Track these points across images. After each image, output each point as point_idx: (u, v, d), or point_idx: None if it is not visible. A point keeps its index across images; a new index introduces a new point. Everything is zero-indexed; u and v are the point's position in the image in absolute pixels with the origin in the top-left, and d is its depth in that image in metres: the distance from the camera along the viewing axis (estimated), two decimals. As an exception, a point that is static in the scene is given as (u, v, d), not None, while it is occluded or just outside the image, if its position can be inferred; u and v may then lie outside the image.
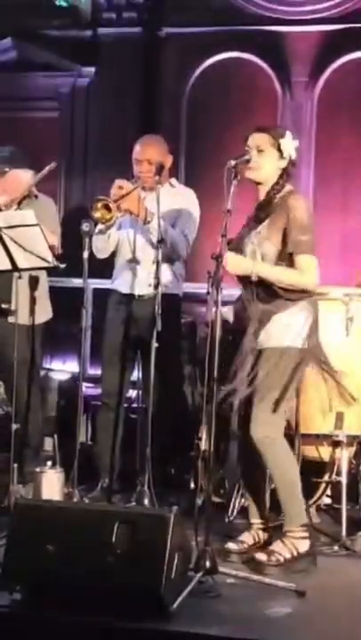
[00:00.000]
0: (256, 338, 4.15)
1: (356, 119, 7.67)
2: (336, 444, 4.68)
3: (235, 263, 4.05)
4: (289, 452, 4.16)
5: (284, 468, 4.12)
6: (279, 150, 4.17)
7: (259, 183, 4.21)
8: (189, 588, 3.55)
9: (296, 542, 4.09)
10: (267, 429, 4.05)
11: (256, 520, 4.31)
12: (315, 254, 4.11)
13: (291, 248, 4.08)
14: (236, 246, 4.16)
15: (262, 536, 4.28)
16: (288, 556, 4.05)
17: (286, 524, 4.14)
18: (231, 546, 4.19)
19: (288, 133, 4.21)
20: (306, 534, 4.12)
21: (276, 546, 4.09)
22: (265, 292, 4.13)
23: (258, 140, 4.18)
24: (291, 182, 4.23)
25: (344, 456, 4.66)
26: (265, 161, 4.16)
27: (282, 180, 4.19)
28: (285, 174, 4.20)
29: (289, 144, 4.18)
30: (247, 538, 4.26)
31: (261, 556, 4.04)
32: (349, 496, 4.67)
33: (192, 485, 5.10)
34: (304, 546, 4.10)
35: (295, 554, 4.07)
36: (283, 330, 4.11)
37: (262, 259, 4.12)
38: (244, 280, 4.15)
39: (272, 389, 4.07)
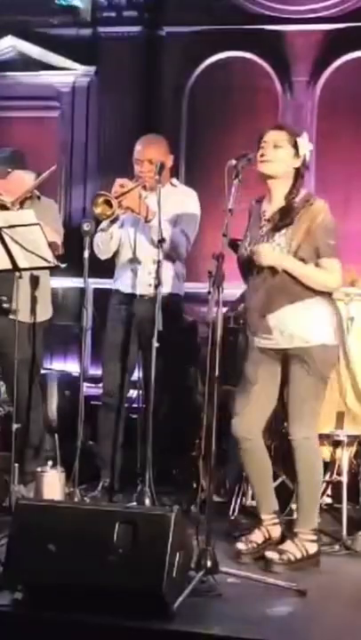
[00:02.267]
0: (264, 332, 4.16)
1: (357, 118, 7.68)
2: (337, 443, 4.68)
3: (267, 252, 4.08)
4: (320, 454, 4.24)
5: (315, 469, 4.19)
6: (295, 147, 4.18)
7: (270, 177, 4.19)
8: (190, 587, 3.55)
9: (307, 544, 4.12)
10: (309, 431, 4.12)
11: (267, 515, 4.29)
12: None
13: (319, 251, 4.12)
14: (253, 244, 4.17)
15: (273, 532, 4.26)
16: (299, 556, 4.08)
17: (300, 526, 4.17)
18: (241, 546, 4.19)
19: (305, 134, 4.24)
20: (315, 537, 4.16)
21: (288, 545, 4.12)
22: (281, 282, 4.12)
23: (275, 136, 4.18)
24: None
25: (345, 456, 4.67)
26: (280, 156, 4.16)
27: (297, 183, 4.20)
28: (300, 176, 4.21)
29: (305, 144, 4.20)
30: (257, 537, 4.25)
31: (273, 555, 4.07)
32: (350, 496, 4.68)
33: (193, 485, 5.09)
34: (313, 548, 4.14)
35: (305, 555, 4.10)
36: (312, 326, 4.13)
37: None
38: (257, 268, 4.15)
39: (313, 389, 4.12)
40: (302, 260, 4.11)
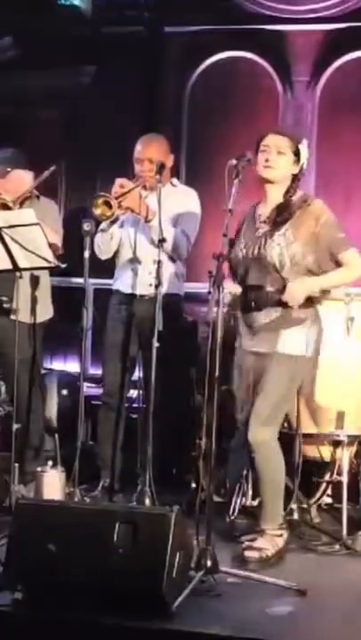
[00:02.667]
0: (259, 341, 4.18)
1: (358, 119, 7.66)
2: (337, 443, 4.69)
3: (298, 290, 4.11)
4: (281, 453, 4.25)
5: (274, 468, 4.23)
6: (296, 155, 4.21)
7: (270, 182, 4.22)
8: (190, 587, 3.56)
9: (276, 539, 4.20)
10: (266, 430, 4.15)
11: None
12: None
13: (332, 249, 4.16)
14: (251, 246, 4.19)
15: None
16: (273, 551, 4.16)
17: (267, 523, 4.23)
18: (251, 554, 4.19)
19: (305, 140, 4.27)
20: (281, 532, 4.24)
21: (262, 542, 4.18)
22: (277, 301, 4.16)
23: (278, 141, 4.21)
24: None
25: (345, 456, 4.67)
26: (282, 163, 4.20)
27: (295, 185, 4.24)
28: (296, 179, 4.24)
29: (305, 151, 4.24)
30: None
31: (253, 554, 4.11)
32: (350, 496, 4.68)
33: (193, 485, 5.09)
34: (281, 542, 4.22)
35: (276, 550, 4.18)
36: (298, 338, 4.17)
37: (291, 260, 4.14)
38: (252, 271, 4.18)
39: (277, 393, 4.15)
40: (310, 271, 4.16)
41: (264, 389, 4.15)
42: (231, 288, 4.22)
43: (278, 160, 4.18)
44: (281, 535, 4.24)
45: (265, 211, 4.27)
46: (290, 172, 4.22)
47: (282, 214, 4.18)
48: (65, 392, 6.25)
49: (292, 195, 4.22)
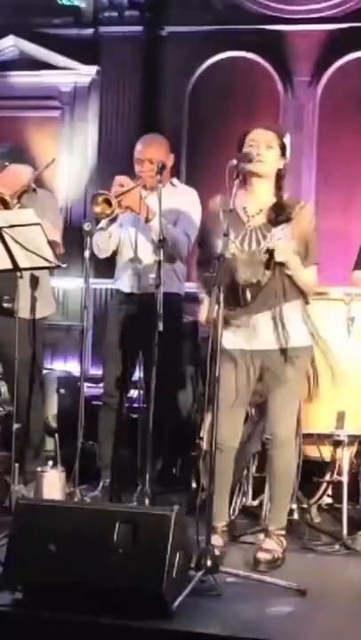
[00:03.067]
0: (258, 340, 4.16)
1: (359, 118, 7.67)
2: (337, 443, 4.68)
3: (286, 248, 4.07)
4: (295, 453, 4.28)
5: (293, 468, 4.24)
6: (282, 149, 4.21)
7: (258, 176, 4.20)
8: (190, 587, 3.55)
9: (281, 539, 4.21)
10: (291, 429, 4.17)
11: (222, 523, 4.27)
12: None
13: (308, 255, 4.15)
14: (246, 241, 4.16)
15: (226, 538, 4.30)
16: (281, 552, 4.16)
17: (275, 523, 4.22)
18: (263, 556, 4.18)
19: (288, 135, 4.27)
20: (284, 532, 4.26)
21: (270, 544, 4.17)
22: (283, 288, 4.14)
23: (266, 136, 4.19)
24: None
25: (345, 456, 4.66)
26: (271, 157, 4.19)
27: (282, 182, 4.23)
28: (282, 175, 4.23)
29: (288, 143, 4.22)
30: (217, 540, 4.17)
31: (265, 555, 4.10)
32: (350, 495, 4.68)
33: (193, 485, 5.09)
34: (284, 541, 4.23)
35: (283, 549, 4.19)
36: (302, 329, 4.18)
37: None
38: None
39: (298, 389, 4.18)
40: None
41: (284, 385, 4.14)
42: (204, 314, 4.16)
43: (268, 154, 4.16)
44: (284, 535, 4.25)
45: (250, 204, 4.21)
46: (277, 166, 4.21)
47: (281, 215, 4.17)
48: (65, 392, 6.27)
49: (283, 193, 4.22)
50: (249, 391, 4.22)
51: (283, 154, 4.21)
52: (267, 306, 4.12)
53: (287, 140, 4.23)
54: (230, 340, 4.13)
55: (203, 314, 4.25)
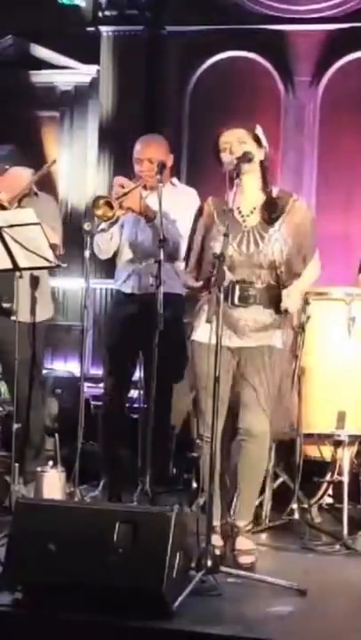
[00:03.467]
0: (242, 337, 4.15)
1: (359, 118, 7.67)
2: (338, 443, 4.68)
3: (295, 296, 4.17)
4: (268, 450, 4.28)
5: (265, 464, 4.25)
6: (256, 141, 4.18)
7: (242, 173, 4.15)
8: (191, 587, 3.54)
9: (252, 535, 4.22)
10: (265, 420, 4.13)
11: (219, 522, 4.25)
12: None
13: (307, 250, 4.16)
14: (244, 242, 4.16)
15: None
16: (255, 549, 4.15)
17: (244, 518, 4.18)
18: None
19: (258, 126, 4.22)
20: (252, 528, 4.27)
21: (247, 544, 4.14)
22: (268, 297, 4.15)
23: (235, 134, 4.17)
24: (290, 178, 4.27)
25: (346, 456, 4.66)
26: (249, 150, 4.14)
27: (267, 176, 4.22)
28: (266, 169, 4.21)
29: (261, 133, 4.20)
30: (217, 540, 4.15)
31: (248, 559, 4.07)
32: (351, 495, 4.67)
33: (193, 485, 5.09)
34: (253, 537, 4.23)
35: (255, 545, 4.18)
36: (283, 332, 4.18)
37: (287, 256, 4.14)
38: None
39: (271, 384, 4.14)
40: (289, 262, 4.13)
41: (260, 380, 4.11)
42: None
43: (244, 148, 4.13)
44: (250, 529, 4.22)
45: (244, 205, 4.20)
46: (258, 158, 4.18)
47: (274, 212, 4.16)
48: (65, 392, 6.27)
49: (270, 187, 4.21)
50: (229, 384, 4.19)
51: (259, 145, 4.18)
52: (257, 307, 4.12)
53: (258, 129, 4.20)
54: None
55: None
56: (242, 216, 4.18)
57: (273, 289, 4.12)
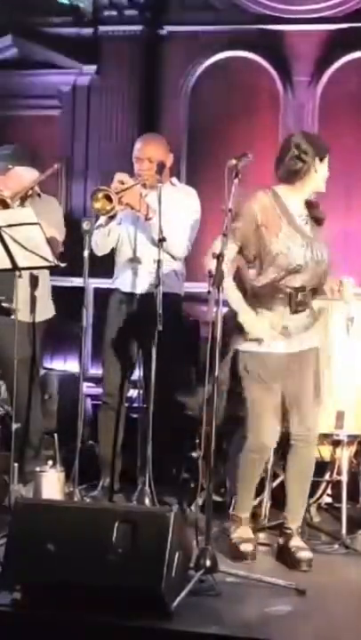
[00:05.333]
0: (293, 342, 4.21)
1: (359, 119, 7.66)
2: (337, 443, 4.69)
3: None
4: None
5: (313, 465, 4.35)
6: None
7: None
8: (189, 586, 3.55)
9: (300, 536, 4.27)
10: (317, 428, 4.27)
11: (248, 515, 4.37)
12: None
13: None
14: (309, 248, 4.18)
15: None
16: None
17: (298, 522, 4.28)
18: (248, 547, 4.24)
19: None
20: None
21: (302, 542, 4.24)
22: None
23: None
24: None
25: (345, 455, 4.67)
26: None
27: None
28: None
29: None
30: (249, 533, 4.32)
31: (307, 554, 4.16)
32: (350, 495, 4.69)
33: (193, 484, 5.09)
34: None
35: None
36: (316, 331, 4.26)
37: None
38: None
39: (319, 389, 4.24)
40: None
41: (314, 386, 4.21)
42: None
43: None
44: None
45: (299, 208, 4.23)
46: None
47: (314, 211, 4.21)
48: (65, 392, 6.26)
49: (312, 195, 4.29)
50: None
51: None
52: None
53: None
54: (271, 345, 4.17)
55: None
56: (301, 220, 4.21)
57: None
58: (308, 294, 4.18)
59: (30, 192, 5.09)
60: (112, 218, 4.92)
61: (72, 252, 4.97)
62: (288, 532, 4.24)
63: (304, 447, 4.23)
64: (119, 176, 4.89)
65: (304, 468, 4.28)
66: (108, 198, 4.78)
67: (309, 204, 4.23)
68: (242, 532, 4.27)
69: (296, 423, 4.21)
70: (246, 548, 4.19)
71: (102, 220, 4.95)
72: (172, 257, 5.03)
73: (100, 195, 4.79)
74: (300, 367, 4.20)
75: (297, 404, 4.20)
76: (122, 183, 4.85)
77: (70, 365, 6.92)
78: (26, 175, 5.12)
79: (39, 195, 5.17)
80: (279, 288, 4.11)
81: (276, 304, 4.12)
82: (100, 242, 5.02)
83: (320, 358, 4.29)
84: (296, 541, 4.21)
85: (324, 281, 4.19)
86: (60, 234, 5.04)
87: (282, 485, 4.81)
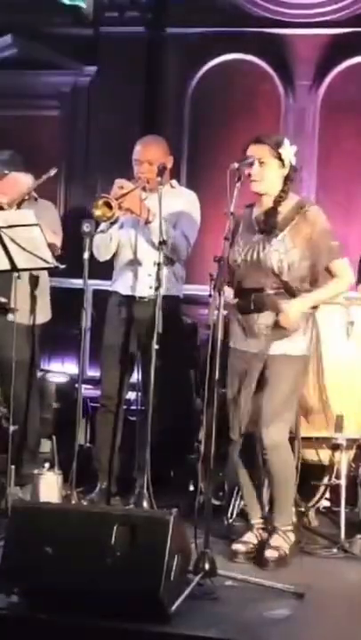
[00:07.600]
0: (259, 343, 4.20)
1: (360, 123, 7.66)
2: (336, 447, 4.68)
3: (294, 316, 4.17)
4: (292, 454, 4.31)
5: (292, 467, 4.28)
6: (280, 159, 4.22)
7: (262, 194, 4.25)
8: (188, 590, 3.55)
9: (288, 534, 4.25)
10: (282, 431, 4.21)
11: (257, 520, 4.36)
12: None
13: (325, 256, 4.21)
14: (249, 251, 4.18)
15: (264, 535, 4.31)
16: (287, 547, 4.20)
17: (280, 521, 4.25)
18: (239, 547, 4.25)
19: (286, 141, 4.26)
20: (292, 527, 4.31)
21: (277, 541, 4.20)
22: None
23: (258, 151, 4.21)
24: (294, 186, 4.27)
25: (343, 459, 4.67)
26: (267, 173, 4.21)
27: (286, 187, 4.25)
28: (288, 181, 4.26)
29: (288, 151, 4.24)
30: (251, 538, 4.32)
31: (272, 553, 4.14)
32: (348, 499, 4.68)
33: (191, 487, 5.08)
34: (293, 536, 4.27)
35: (290, 545, 4.23)
36: (302, 339, 4.23)
37: (289, 267, 4.16)
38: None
39: (287, 392, 4.19)
40: (303, 276, 4.19)
41: (274, 390, 4.17)
42: (228, 292, 4.20)
43: (261, 172, 4.19)
44: (292, 531, 4.29)
45: (260, 216, 4.28)
46: (279, 177, 4.23)
47: (269, 221, 4.20)
48: (63, 394, 6.25)
49: (283, 199, 4.23)
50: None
51: (282, 164, 4.21)
52: (270, 313, 4.19)
53: (285, 147, 4.22)
54: (237, 342, 4.27)
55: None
56: (256, 226, 4.24)
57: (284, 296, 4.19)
58: (267, 295, 4.17)
59: (27, 196, 5.08)
60: (113, 223, 4.92)
61: (71, 253, 4.97)
62: (268, 529, 4.28)
63: (268, 454, 4.20)
64: (119, 182, 4.90)
65: (275, 473, 4.23)
66: (108, 205, 4.78)
67: (267, 210, 4.24)
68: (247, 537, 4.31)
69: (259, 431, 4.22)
70: (239, 548, 4.23)
71: (103, 225, 4.94)
72: (172, 260, 5.02)
73: (100, 202, 4.80)
74: (270, 371, 4.19)
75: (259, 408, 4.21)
76: (121, 188, 4.85)
77: (68, 367, 6.90)
78: (23, 180, 5.12)
79: (36, 199, 5.17)
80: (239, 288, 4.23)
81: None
82: (102, 247, 5.02)
83: (307, 366, 4.29)
84: (272, 540, 4.21)
85: (292, 285, 4.17)
86: (57, 238, 5.04)
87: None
